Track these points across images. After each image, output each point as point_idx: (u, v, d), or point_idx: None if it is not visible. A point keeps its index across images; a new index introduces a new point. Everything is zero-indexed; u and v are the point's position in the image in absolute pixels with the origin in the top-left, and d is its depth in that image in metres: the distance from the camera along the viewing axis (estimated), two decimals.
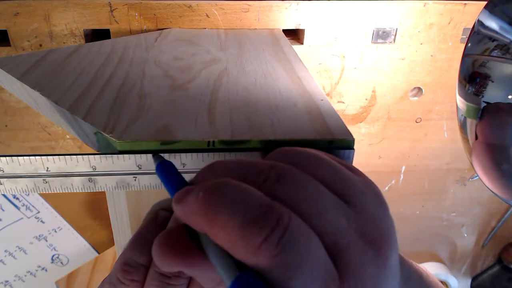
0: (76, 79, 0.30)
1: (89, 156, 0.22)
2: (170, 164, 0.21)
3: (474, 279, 0.77)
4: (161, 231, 0.23)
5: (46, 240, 0.63)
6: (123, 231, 0.28)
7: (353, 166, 0.21)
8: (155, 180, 0.23)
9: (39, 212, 0.60)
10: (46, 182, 0.23)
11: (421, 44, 0.51)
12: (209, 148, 0.23)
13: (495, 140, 0.40)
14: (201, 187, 0.17)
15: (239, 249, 0.16)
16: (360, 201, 0.18)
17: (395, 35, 0.50)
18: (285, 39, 0.44)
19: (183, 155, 0.22)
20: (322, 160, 0.19)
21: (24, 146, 0.54)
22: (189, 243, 0.18)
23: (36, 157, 0.22)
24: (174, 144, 0.22)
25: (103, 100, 0.27)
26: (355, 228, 0.17)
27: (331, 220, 0.17)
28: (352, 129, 0.57)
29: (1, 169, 0.22)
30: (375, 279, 0.17)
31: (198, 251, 0.17)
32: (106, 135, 0.23)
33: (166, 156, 0.22)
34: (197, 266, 0.17)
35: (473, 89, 0.41)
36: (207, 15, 0.46)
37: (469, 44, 0.42)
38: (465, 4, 0.49)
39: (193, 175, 0.23)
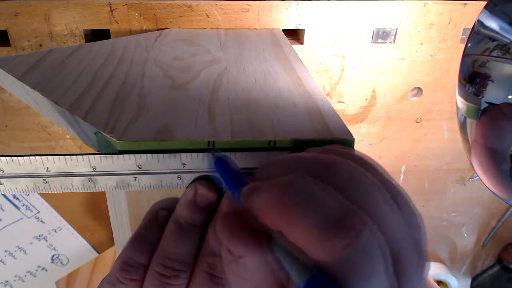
0: (76, 79, 0.30)
1: (89, 156, 0.22)
2: (228, 159, 0.21)
3: (474, 279, 0.77)
4: (161, 231, 0.23)
5: (46, 240, 0.63)
6: (123, 231, 0.28)
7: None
8: (155, 180, 0.23)
9: (39, 212, 0.60)
10: (46, 182, 0.23)
11: (421, 44, 0.51)
12: (209, 148, 0.23)
13: (494, 145, 0.40)
14: (276, 182, 0.16)
15: (317, 249, 0.15)
16: (405, 207, 0.18)
17: (395, 35, 0.50)
18: (285, 39, 0.44)
19: (183, 155, 0.22)
20: (375, 164, 0.19)
21: (24, 146, 0.54)
22: (257, 228, 0.17)
23: (36, 157, 0.22)
24: (174, 144, 0.22)
25: (103, 100, 0.27)
26: (409, 236, 0.17)
27: (397, 229, 0.17)
28: (352, 129, 0.57)
29: (1, 169, 0.22)
30: (420, 284, 0.17)
31: (266, 242, 0.17)
32: (106, 135, 0.23)
33: (166, 156, 0.22)
34: (258, 256, 0.17)
35: (473, 89, 0.41)
36: (207, 15, 0.46)
37: (469, 44, 0.42)
38: (465, 4, 0.49)
39: (193, 175, 0.23)
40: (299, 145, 0.23)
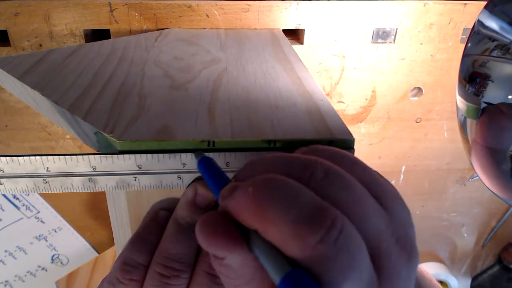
0: (76, 79, 0.30)
1: (89, 156, 0.22)
2: (211, 160, 0.21)
3: (474, 279, 0.77)
4: (161, 231, 0.23)
5: (46, 240, 0.63)
6: (123, 231, 0.28)
7: (376, 171, 0.21)
8: (155, 180, 0.23)
9: (39, 212, 0.60)
10: (46, 182, 0.23)
11: (421, 44, 0.51)
12: (209, 148, 0.23)
13: (494, 144, 0.40)
14: (250, 183, 0.17)
15: (291, 246, 0.16)
16: (392, 204, 0.18)
17: (395, 35, 0.50)
18: (285, 39, 0.44)
19: (183, 155, 0.22)
20: (358, 162, 0.19)
21: (24, 146, 0.54)
22: (235, 230, 0.17)
23: (36, 157, 0.22)
24: (174, 144, 0.22)
25: (103, 100, 0.27)
26: (391, 232, 0.18)
27: (375, 224, 0.17)
28: (352, 129, 0.57)
29: (1, 169, 0.22)
30: (407, 282, 0.18)
31: (244, 241, 0.17)
32: (106, 135, 0.23)
33: (166, 156, 0.22)
34: (240, 255, 0.17)
35: (473, 89, 0.41)
36: (207, 15, 0.46)
37: (469, 44, 0.42)
38: (465, 4, 0.49)
39: (193, 175, 0.23)
40: (299, 145, 0.23)
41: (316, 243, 0.15)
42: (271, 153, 0.20)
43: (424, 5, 0.49)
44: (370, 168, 0.19)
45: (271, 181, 0.17)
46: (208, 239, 0.17)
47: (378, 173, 0.20)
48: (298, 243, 0.15)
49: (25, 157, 0.22)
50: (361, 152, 0.59)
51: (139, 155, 0.22)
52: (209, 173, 0.20)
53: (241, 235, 0.17)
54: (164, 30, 0.46)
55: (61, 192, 0.23)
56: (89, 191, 0.23)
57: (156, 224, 0.23)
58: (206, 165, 0.21)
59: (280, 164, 0.18)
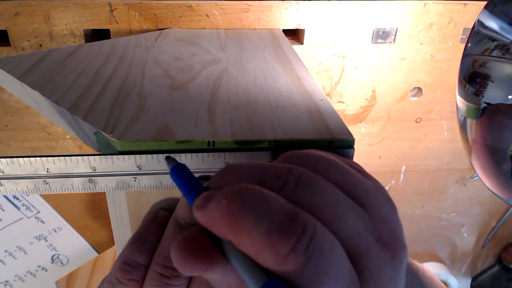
0: (76, 79, 0.30)
1: (89, 156, 0.22)
2: (184, 167, 0.21)
3: (474, 279, 0.77)
4: (161, 231, 0.23)
5: (46, 240, 0.63)
6: (123, 231, 0.28)
7: (361, 168, 0.21)
8: (155, 180, 0.23)
9: (39, 212, 0.60)
10: (46, 183, 0.23)
11: (421, 44, 0.51)
12: (209, 148, 0.23)
13: (494, 143, 0.40)
14: (222, 193, 0.17)
15: (265, 256, 0.16)
16: (373, 204, 0.18)
17: (395, 35, 0.50)
18: (285, 39, 0.44)
19: (183, 155, 0.22)
20: (334, 163, 0.19)
21: (24, 146, 0.54)
22: (210, 246, 0.17)
23: (36, 158, 0.22)
24: (174, 144, 0.22)
25: (103, 100, 0.27)
26: (371, 231, 0.17)
27: (351, 225, 0.17)
28: (352, 129, 0.57)
29: (2, 170, 0.22)
30: (391, 281, 0.17)
31: (220, 255, 0.17)
32: (106, 135, 0.23)
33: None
34: (218, 270, 0.17)
35: (473, 89, 0.41)
36: (207, 15, 0.46)
37: (469, 44, 0.42)
38: (465, 4, 0.49)
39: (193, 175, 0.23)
40: (299, 145, 0.23)
41: (288, 251, 0.15)
42: (247, 161, 0.20)
43: (424, 5, 0.49)
44: (349, 169, 0.19)
45: (244, 192, 0.16)
46: (182, 263, 0.17)
47: (363, 171, 0.20)
48: (271, 253, 0.15)
49: (25, 158, 0.22)
50: (361, 152, 0.59)
51: (139, 155, 0.22)
52: (183, 182, 0.20)
53: (218, 249, 0.17)
54: (164, 30, 0.46)
55: (61, 193, 0.23)
56: (89, 191, 0.23)
57: (156, 224, 0.23)
58: (179, 172, 0.20)
59: (255, 173, 0.18)
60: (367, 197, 0.18)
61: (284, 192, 0.17)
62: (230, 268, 0.17)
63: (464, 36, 0.51)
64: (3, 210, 0.58)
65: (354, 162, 0.21)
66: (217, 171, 0.19)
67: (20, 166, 0.22)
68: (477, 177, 0.47)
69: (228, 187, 0.17)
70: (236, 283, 0.17)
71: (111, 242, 0.66)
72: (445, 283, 0.74)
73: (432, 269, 0.73)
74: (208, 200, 0.17)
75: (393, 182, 0.63)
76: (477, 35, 0.41)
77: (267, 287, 0.15)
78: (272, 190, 0.17)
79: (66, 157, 0.22)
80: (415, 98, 0.56)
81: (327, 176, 0.18)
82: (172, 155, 0.22)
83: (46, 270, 0.66)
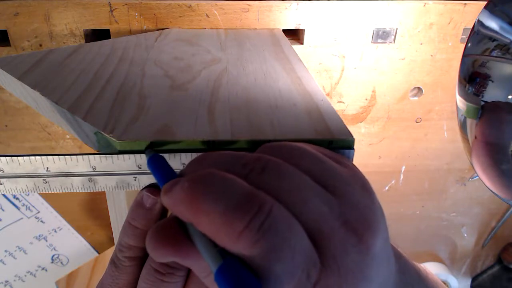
0: (76, 79, 0.30)
1: (89, 156, 0.22)
2: (161, 158, 0.21)
3: (474, 279, 0.77)
4: (147, 214, 0.24)
5: (46, 240, 0.63)
6: None
7: (342, 158, 0.21)
8: (155, 180, 0.23)
9: (39, 212, 0.60)
10: (46, 182, 0.23)
11: (421, 44, 0.51)
12: (209, 148, 0.23)
13: (494, 139, 0.40)
14: (187, 178, 0.17)
15: (222, 236, 0.16)
16: (345, 190, 0.18)
17: (395, 35, 0.50)
18: (285, 39, 0.44)
19: (183, 155, 0.22)
20: (307, 152, 0.20)
21: (24, 146, 0.54)
22: (178, 233, 0.18)
23: (36, 157, 0.22)
24: (174, 144, 0.22)
25: (103, 100, 0.27)
26: (337, 215, 0.18)
27: (314, 207, 0.17)
28: (352, 129, 0.57)
29: (1, 169, 0.22)
30: (357, 265, 0.17)
31: (188, 241, 0.18)
32: (106, 135, 0.23)
33: (166, 156, 0.22)
34: (188, 256, 0.18)
35: (473, 89, 0.41)
36: (207, 15, 0.46)
37: (469, 44, 0.42)
38: (465, 4, 0.49)
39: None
40: None
41: (242, 229, 0.15)
42: (221, 151, 0.20)
43: (424, 5, 0.49)
44: (322, 157, 0.20)
45: (207, 176, 0.17)
46: (153, 250, 0.18)
47: (340, 160, 0.20)
48: (227, 232, 0.16)
49: (25, 157, 0.22)
50: (361, 152, 0.59)
51: (139, 155, 0.22)
52: (158, 171, 0.20)
53: (186, 236, 0.18)
54: (164, 30, 0.46)
55: (61, 192, 0.23)
56: (89, 191, 0.23)
57: (141, 208, 0.24)
58: (155, 162, 0.21)
59: (224, 161, 0.19)
60: (339, 184, 0.19)
61: (249, 177, 0.18)
62: (199, 253, 0.17)
63: (464, 36, 0.51)
64: (3, 210, 0.58)
65: (332, 152, 0.21)
66: (191, 160, 0.20)
67: (20, 165, 0.22)
68: (477, 177, 0.47)
69: (195, 173, 0.17)
70: (208, 268, 0.18)
71: (111, 242, 0.66)
72: (445, 283, 0.74)
73: (432, 269, 0.73)
74: (175, 184, 0.17)
75: (393, 182, 0.63)
76: (477, 35, 0.41)
77: (224, 267, 0.15)
78: (239, 176, 0.18)
79: (66, 156, 0.22)
80: (415, 98, 0.56)
81: (298, 164, 0.19)
82: (152, 150, 0.22)
83: (46, 270, 0.66)
